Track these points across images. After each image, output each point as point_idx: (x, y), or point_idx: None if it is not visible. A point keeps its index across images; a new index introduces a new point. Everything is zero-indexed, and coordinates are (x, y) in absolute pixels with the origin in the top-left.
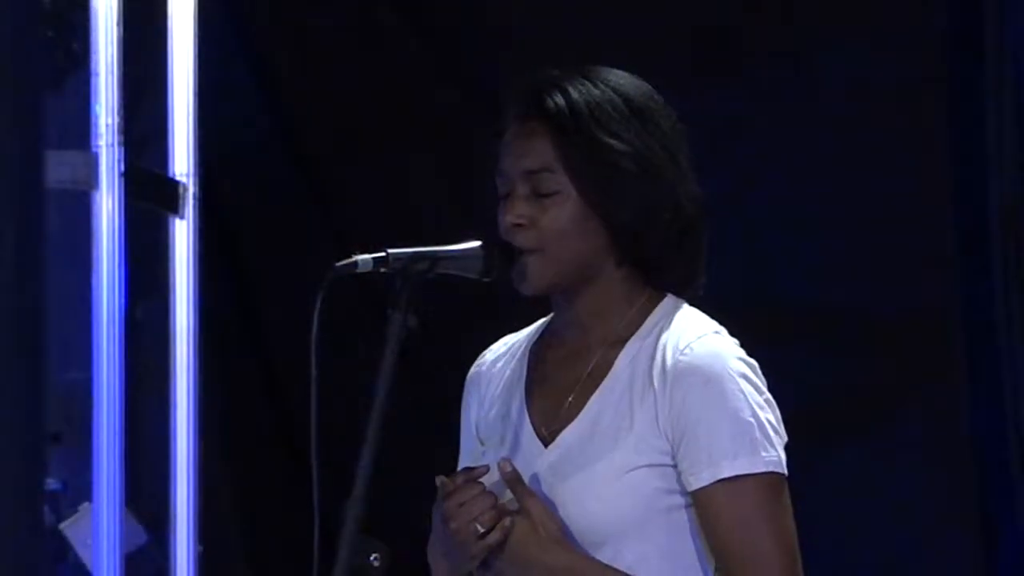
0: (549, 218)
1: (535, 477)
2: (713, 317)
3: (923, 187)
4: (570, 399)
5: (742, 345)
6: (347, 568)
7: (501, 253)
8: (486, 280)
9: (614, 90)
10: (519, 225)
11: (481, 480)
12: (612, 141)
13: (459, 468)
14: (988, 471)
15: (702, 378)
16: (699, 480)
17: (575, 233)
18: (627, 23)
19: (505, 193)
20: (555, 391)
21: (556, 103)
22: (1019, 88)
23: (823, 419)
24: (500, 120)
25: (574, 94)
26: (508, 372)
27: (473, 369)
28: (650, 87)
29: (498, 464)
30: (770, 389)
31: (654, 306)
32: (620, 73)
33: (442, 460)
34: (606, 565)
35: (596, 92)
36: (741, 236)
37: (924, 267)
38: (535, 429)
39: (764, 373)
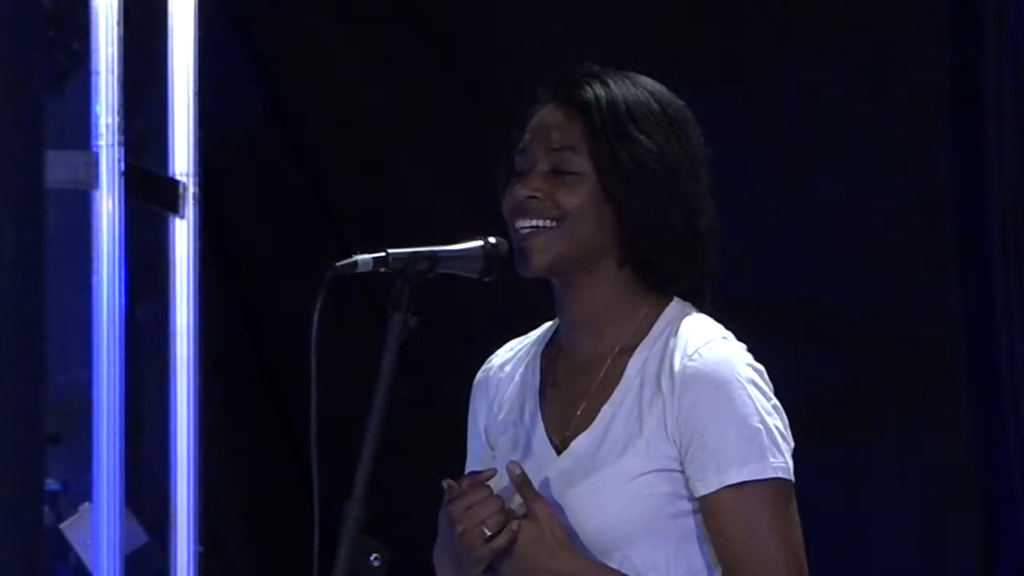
0: (565, 195)
1: (546, 483)
2: (713, 318)
3: (923, 189)
4: (582, 407)
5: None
6: (347, 568)
7: (502, 251)
8: (487, 280)
9: (651, 94)
10: (534, 198)
11: (489, 484)
12: (641, 136)
13: (467, 472)
14: (988, 472)
15: (711, 384)
16: (707, 486)
17: (588, 216)
18: (629, 27)
19: (524, 169)
20: (567, 399)
21: (595, 92)
22: (1019, 91)
23: (823, 420)
24: (528, 106)
25: (613, 87)
26: (518, 377)
27: (480, 374)
28: (684, 104)
29: (507, 467)
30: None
31: (660, 311)
32: (658, 84)
33: (442, 460)
34: (614, 570)
35: (634, 91)
36: (742, 238)
37: (925, 269)
38: (548, 436)
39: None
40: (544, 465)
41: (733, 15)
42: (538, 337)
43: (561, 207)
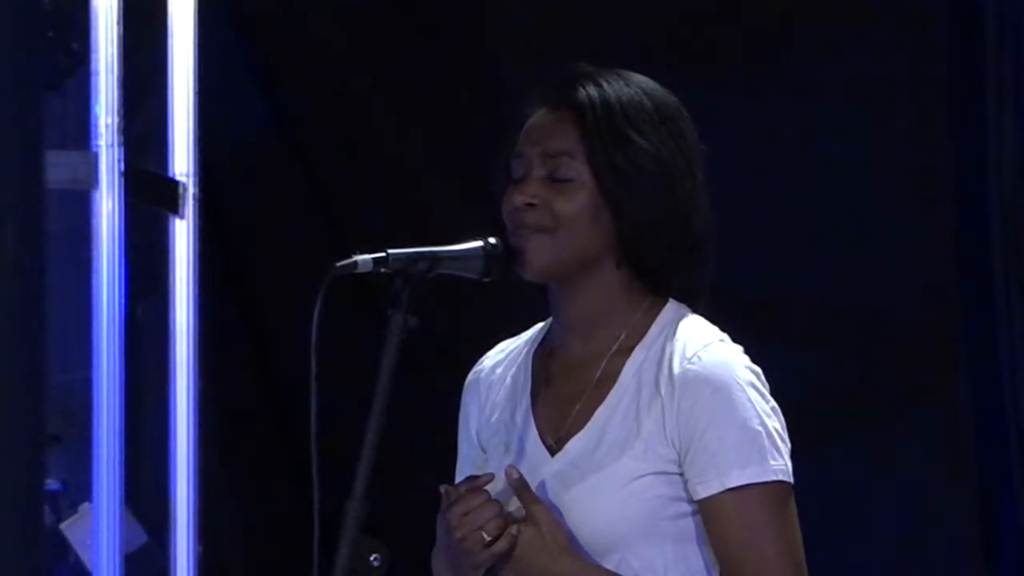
0: (563, 202)
1: (541, 485)
2: (714, 318)
3: (923, 187)
4: (576, 408)
5: (744, 347)
6: (347, 568)
7: (502, 252)
8: (486, 280)
9: (646, 94)
10: (531, 205)
11: (485, 488)
12: (637, 139)
13: (459, 475)
14: (988, 471)
15: (710, 387)
16: (707, 489)
17: (585, 221)
18: (628, 22)
19: (520, 176)
20: (560, 399)
21: (588, 94)
22: (1019, 90)
23: (823, 419)
24: (523, 107)
25: (607, 88)
26: (509, 379)
27: (471, 376)
28: (678, 101)
29: (505, 471)
30: (771, 390)
31: (657, 313)
32: (652, 82)
33: (442, 460)
34: (613, 572)
35: (628, 91)
36: (742, 237)
37: (924, 267)
38: (541, 437)
39: (765, 373)
40: (537, 466)
41: (732, 12)
42: (530, 338)
43: (559, 214)
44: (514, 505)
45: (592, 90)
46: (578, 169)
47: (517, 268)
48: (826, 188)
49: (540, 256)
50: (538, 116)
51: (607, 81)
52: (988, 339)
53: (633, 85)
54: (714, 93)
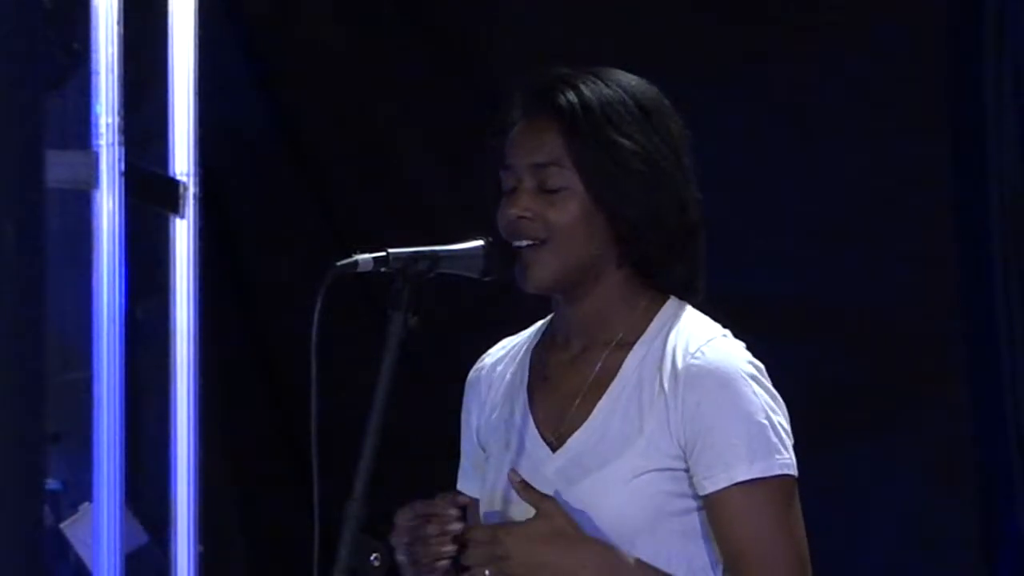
0: (555, 213)
1: (542, 482)
2: (713, 317)
3: (923, 189)
4: (576, 403)
5: (743, 345)
6: (347, 568)
7: (502, 252)
8: (487, 280)
9: (625, 91)
10: (524, 218)
11: (484, 486)
12: (622, 140)
13: (462, 473)
14: (988, 472)
15: (715, 382)
16: (714, 484)
17: (580, 229)
18: (627, 22)
19: (510, 188)
20: (560, 395)
21: (568, 100)
22: (1019, 86)
23: (823, 419)
24: (507, 116)
25: (586, 92)
26: (509, 376)
27: (472, 373)
28: (658, 91)
29: (508, 475)
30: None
31: (658, 309)
32: (630, 75)
33: (443, 459)
34: (636, 559)
35: (608, 91)
36: (741, 236)
37: (924, 267)
38: (540, 433)
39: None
40: (538, 463)
41: (733, 11)
42: (530, 334)
43: (552, 225)
44: (516, 507)
45: (571, 95)
46: (567, 177)
47: (519, 283)
48: (825, 187)
49: (541, 270)
50: (521, 126)
51: (585, 83)
52: (988, 340)
53: (612, 84)
54: (713, 92)
